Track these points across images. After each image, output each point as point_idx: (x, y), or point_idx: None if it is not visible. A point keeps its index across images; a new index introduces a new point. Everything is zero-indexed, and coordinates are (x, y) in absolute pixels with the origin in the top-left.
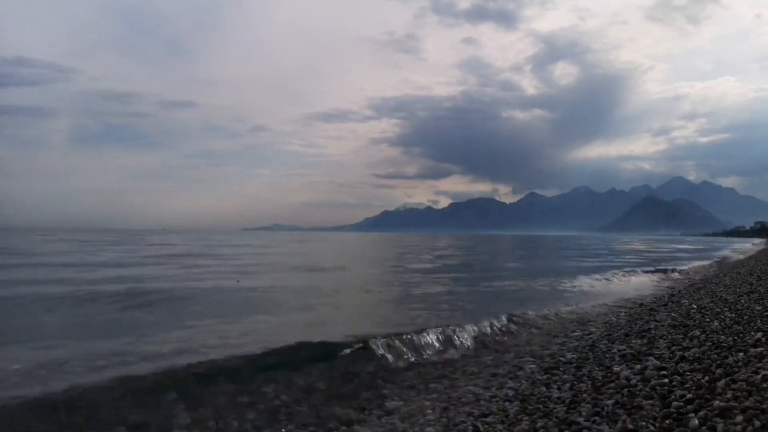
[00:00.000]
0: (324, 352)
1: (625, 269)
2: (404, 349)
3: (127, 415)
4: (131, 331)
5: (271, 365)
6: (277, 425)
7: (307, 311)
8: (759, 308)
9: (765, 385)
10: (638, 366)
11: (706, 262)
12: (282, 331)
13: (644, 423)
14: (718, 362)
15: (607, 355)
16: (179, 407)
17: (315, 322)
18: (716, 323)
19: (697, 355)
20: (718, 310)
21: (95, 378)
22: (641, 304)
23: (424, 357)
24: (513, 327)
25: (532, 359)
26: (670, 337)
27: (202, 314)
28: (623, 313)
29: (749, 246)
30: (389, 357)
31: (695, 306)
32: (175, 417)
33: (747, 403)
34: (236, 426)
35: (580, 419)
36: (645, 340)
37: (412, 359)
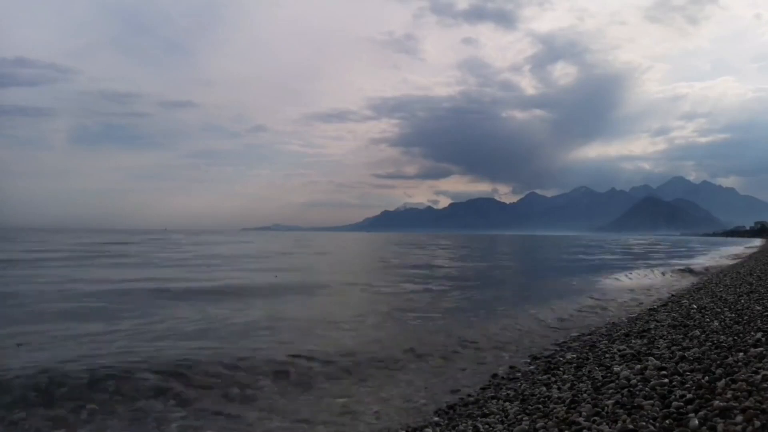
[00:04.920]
0: None
1: (626, 270)
2: None
3: None
4: None
5: None
6: None
7: None
8: (759, 308)
9: (765, 385)
10: (638, 366)
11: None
12: None
13: (644, 423)
14: (718, 362)
15: (607, 355)
16: None
17: None
18: (716, 323)
19: (697, 355)
20: (718, 310)
21: None
22: (640, 304)
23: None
24: (514, 328)
25: (531, 359)
26: (670, 337)
27: None
28: (623, 313)
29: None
30: None
31: (695, 306)
32: None
33: (747, 403)
34: None
35: (580, 419)
36: (645, 340)
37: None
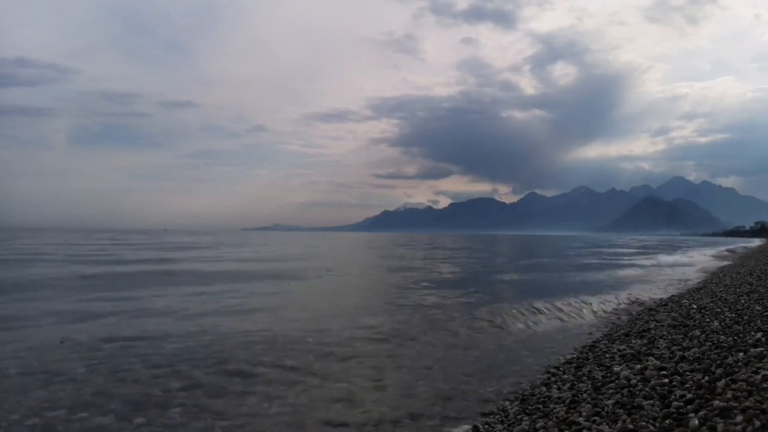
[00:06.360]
0: None
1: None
2: None
3: None
4: None
5: None
6: None
7: None
8: (759, 308)
9: (765, 385)
10: (638, 366)
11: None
12: None
13: (644, 423)
14: (718, 362)
15: (607, 355)
16: None
17: None
18: (716, 323)
19: (697, 355)
20: (718, 310)
21: None
22: (640, 303)
23: None
24: (517, 326)
25: (531, 359)
26: (670, 337)
27: None
28: (623, 314)
29: None
30: None
31: (695, 306)
32: None
33: (747, 403)
34: None
35: (580, 419)
36: (645, 340)
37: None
